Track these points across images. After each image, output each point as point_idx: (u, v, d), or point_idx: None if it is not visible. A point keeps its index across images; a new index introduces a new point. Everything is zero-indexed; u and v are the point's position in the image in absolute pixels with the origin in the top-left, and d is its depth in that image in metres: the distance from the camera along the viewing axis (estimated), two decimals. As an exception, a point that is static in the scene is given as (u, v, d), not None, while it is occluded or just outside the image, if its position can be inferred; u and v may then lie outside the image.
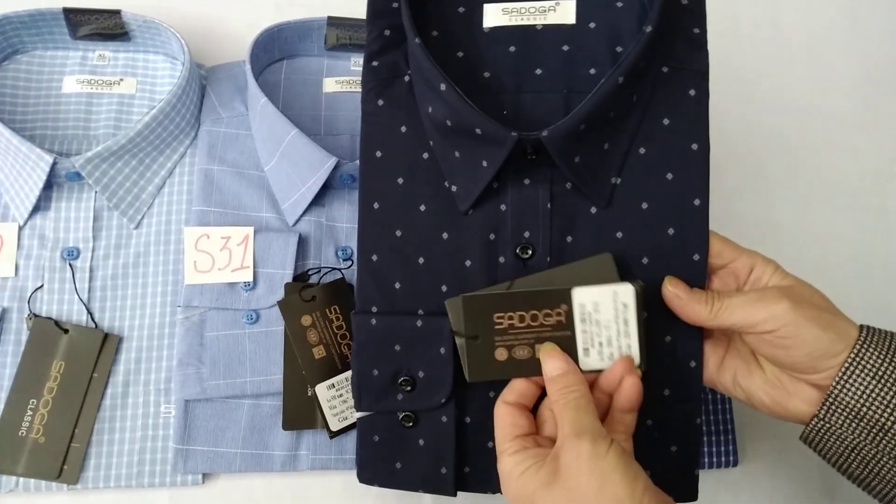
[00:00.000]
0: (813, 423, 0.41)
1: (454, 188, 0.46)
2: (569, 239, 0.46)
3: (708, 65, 0.46)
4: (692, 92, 0.46)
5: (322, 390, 0.53)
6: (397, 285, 0.47)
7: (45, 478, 0.52)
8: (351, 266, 0.57)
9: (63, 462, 0.53)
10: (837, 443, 0.41)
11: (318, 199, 0.56)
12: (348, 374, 0.54)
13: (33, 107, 0.60)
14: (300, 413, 0.54)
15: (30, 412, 0.53)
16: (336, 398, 0.54)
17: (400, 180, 0.47)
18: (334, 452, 0.54)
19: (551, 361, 0.41)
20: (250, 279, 0.55)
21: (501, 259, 0.46)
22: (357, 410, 0.48)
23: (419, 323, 0.46)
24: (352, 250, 0.57)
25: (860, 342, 0.40)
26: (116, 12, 0.59)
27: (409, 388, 0.46)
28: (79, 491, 0.53)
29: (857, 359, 0.39)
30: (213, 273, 0.55)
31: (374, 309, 0.47)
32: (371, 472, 0.48)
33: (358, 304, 0.48)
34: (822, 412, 0.41)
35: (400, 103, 0.48)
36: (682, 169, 0.45)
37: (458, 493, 0.47)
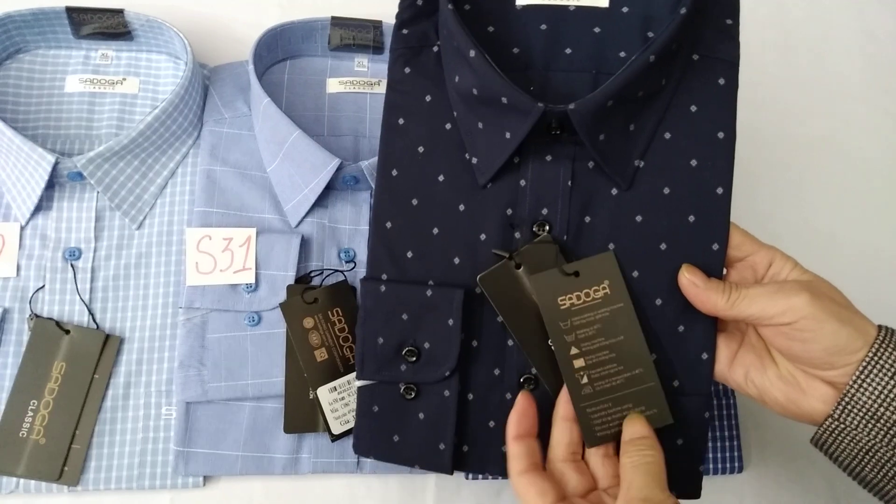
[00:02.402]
0: (827, 423, 0.41)
1: (475, 160, 0.46)
2: (587, 219, 0.45)
3: (738, 55, 0.46)
4: (721, 80, 0.45)
5: (324, 393, 0.53)
6: (409, 254, 0.47)
7: (45, 479, 0.52)
8: (354, 268, 0.56)
9: (64, 463, 0.52)
10: (851, 444, 0.40)
11: (321, 201, 0.56)
12: (350, 376, 0.54)
13: (35, 106, 0.60)
14: (302, 416, 0.53)
15: (30, 413, 0.53)
16: (338, 401, 0.53)
17: (420, 149, 0.47)
18: (336, 456, 0.54)
19: (632, 426, 0.41)
20: (252, 281, 0.54)
21: (517, 234, 0.46)
22: (358, 378, 0.47)
23: (429, 293, 0.45)
24: (354, 252, 0.57)
25: (879, 341, 0.39)
26: (119, 11, 0.58)
27: (413, 359, 0.46)
28: (79, 493, 0.53)
29: (876, 358, 0.39)
30: (214, 274, 0.54)
31: (385, 276, 0.47)
32: (368, 443, 0.47)
33: (368, 269, 0.48)
34: (838, 412, 0.40)
35: (427, 73, 0.48)
36: (706, 156, 0.45)
37: (455, 472, 0.46)
